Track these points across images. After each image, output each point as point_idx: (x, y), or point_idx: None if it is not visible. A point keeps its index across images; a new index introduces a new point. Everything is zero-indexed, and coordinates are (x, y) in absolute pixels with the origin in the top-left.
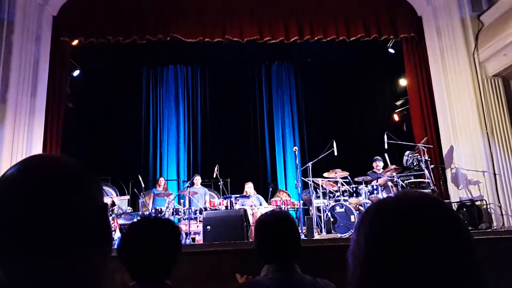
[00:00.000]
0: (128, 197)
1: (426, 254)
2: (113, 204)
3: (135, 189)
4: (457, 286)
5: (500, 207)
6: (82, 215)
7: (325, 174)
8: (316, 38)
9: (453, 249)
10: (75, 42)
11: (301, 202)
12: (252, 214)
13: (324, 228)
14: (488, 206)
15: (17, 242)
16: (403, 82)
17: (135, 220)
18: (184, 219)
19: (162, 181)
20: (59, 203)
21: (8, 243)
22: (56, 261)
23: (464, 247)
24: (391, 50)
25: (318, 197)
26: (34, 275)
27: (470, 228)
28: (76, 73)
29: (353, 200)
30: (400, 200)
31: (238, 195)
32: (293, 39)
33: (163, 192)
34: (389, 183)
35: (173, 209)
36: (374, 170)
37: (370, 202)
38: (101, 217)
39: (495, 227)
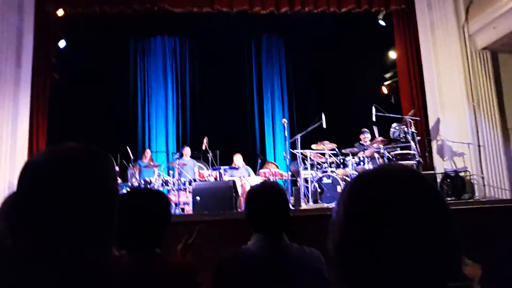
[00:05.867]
0: (117, 168)
1: (400, 222)
2: None
3: (123, 161)
4: (431, 255)
5: (483, 178)
6: (100, 200)
7: (313, 146)
8: (306, 10)
9: (427, 218)
10: (61, 13)
11: (289, 173)
12: (241, 185)
13: (311, 198)
14: (472, 177)
15: (37, 224)
16: (392, 54)
17: (124, 191)
18: (173, 190)
19: (148, 152)
20: (80, 188)
21: (28, 226)
22: (74, 241)
23: (439, 217)
24: (382, 22)
25: (306, 169)
26: (54, 254)
27: (453, 198)
28: (62, 44)
29: (340, 171)
30: (377, 172)
31: (227, 167)
32: (283, 10)
33: (150, 163)
34: (376, 155)
35: (162, 180)
36: (361, 142)
37: (356, 173)
38: (113, 201)
39: (477, 198)
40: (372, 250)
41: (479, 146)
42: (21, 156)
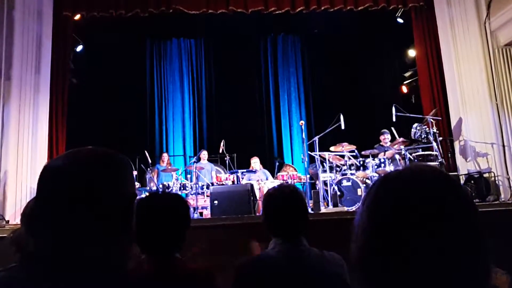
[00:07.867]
0: (135, 172)
1: (427, 225)
2: None
3: (142, 165)
4: (461, 260)
5: (509, 179)
6: (117, 203)
7: (332, 148)
8: (322, 8)
9: (455, 220)
10: (77, 17)
11: (308, 176)
12: (259, 189)
13: (331, 201)
14: (496, 178)
15: (54, 227)
16: (412, 53)
17: (143, 195)
18: (191, 194)
19: (165, 156)
20: (97, 192)
21: (45, 228)
22: (92, 244)
23: (467, 219)
24: (400, 20)
25: (324, 171)
26: (71, 257)
27: (477, 200)
28: (79, 48)
29: (360, 173)
30: (404, 173)
31: (245, 170)
32: (299, 9)
33: (168, 167)
34: (397, 156)
35: (180, 184)
36: (381, 143)
37: (377, 175)
38: (131, 204)
39: (503, 199)
40: (397, 254)
41: (503, 146)
42: (42, 161)
